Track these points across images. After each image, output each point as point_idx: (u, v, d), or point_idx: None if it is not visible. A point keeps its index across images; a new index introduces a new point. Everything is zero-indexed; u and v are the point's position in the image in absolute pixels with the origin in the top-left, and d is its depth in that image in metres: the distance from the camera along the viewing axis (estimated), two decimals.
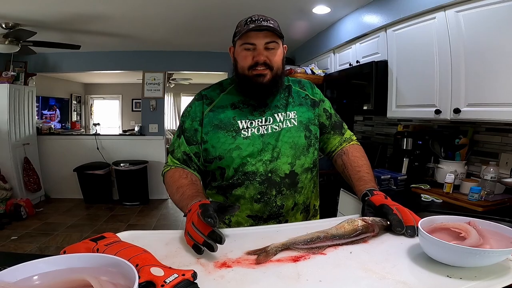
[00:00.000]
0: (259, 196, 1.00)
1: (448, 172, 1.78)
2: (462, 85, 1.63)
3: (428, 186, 1.87)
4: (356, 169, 1.05)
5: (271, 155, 1.00)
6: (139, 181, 4.47)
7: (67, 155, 4.60)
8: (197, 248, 0.69)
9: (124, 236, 0.80)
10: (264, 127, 1.02)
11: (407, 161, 2.10)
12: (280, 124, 1.03)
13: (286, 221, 1.04)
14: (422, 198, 1.74)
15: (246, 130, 1.01)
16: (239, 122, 1.01)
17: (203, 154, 1.03)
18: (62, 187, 4.63)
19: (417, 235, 0.71)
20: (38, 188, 4.27)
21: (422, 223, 0.70)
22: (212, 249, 0.67)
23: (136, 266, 0.57)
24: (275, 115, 1.04)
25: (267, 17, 0.97)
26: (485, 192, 1.58)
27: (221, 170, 1.03)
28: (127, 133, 5.19)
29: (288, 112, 1.05)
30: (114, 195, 4.63)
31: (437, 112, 1.77)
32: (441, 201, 1.69)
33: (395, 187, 1.96)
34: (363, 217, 0.82)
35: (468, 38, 1.59)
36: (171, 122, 8.20)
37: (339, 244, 0.75)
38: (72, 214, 4.07)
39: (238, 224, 1.03)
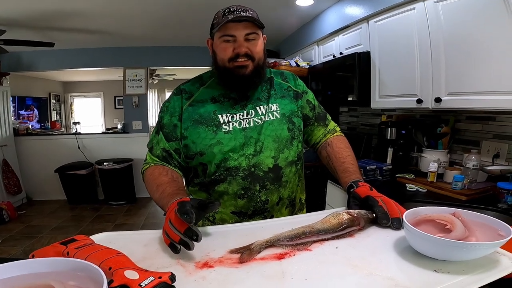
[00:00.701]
0: (242, 192, 0.98)
1: (431, 161, 1.79)
2: (442, 74, 1.64)
3: (413, 176, 1.88)
4: (341, 160, 1.04)
5: (253, 149, 0.98)
6: (125, 179, 4.39)
7: (47, 155, 4.47)
8: (173, 247, 0.67)
9: (99, 238, 0.76)
10: (246, 121, 0.99)
11: (392, 151, 2.11)
12: (262, 117, 1.00)
13: (272, 217, 1.02)
14: (407, 188, 1.75)
15: (227, 124, 0.98)
16: (219, 116, 0.98)
17: (184, 150, 1.00)
18: (44, 188, 4.51)
19: (403, 228, 0.70)
20: (18, 190, 4.15)
21: (407, 215, 0.69)
22: (189, 247, 0.65)
23: (109, 269, 0.54)
24: (257, 108, 1.01)
25: (245, 7, 0.93)
26: (468, 181, 1.60)
27: (203, 166, 0.99)
28: (109, 131, 5.06)
29: (270, 105, 1.02)
30: (99, 195, 4.54)
31: (419, 101, 1.78)
32: (426, 190, 1.71)
33: (380, 177, 1.97)
34: (349, 211, 0.81)
35: (447, 29, 1.60)
36: (156, 119, 8.05)
37: (324, 239, 0.74)
38: (56, 215, 3.98)
39: (223, 221, 1.01)
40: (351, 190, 0.90)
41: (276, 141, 1.00)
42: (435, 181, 1.74)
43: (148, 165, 1.01)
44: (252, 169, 0.97)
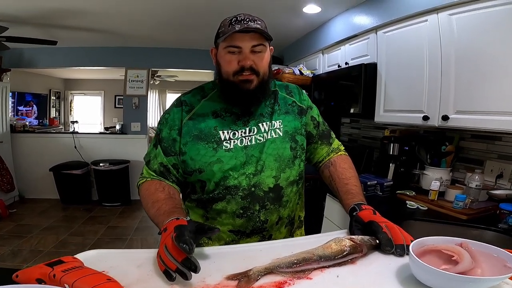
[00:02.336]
0: (241, 211, 0.94)
1: (434, 179, 1.77)
2: (452, 91, 1.59)
3: (414, 193, 1.86)
4: (344, 181, 1.00)
5: (254, 168, 0.94)
6: (120, 181, 4.34)
7: (43, 153, 4.42)
8: (169, 275, 0.63)
9: (90, 256, 0.72)
10: (248, 138, 0.95)
11: (393, 167, 2.08)
12: (265, 134, 0.96)
13: (270, 236, 0.99)
14: (407, 205, 1.73)
15: (228, 141, 0.94)
16: (220, 132, 0.94)
17: (182, 166, 0.96)
18: (38, 187, 4.45)
19: (407, 254, 0.70)
20: (11, 188, 4.09)
21: (413, 246, 0.67)
22: (186, 277, 0.61)
23: None
24: (260, 124, 0.97)
25: (254, 16, 0.89)
26: (470, 200, 1.58)
27: (201, 183, 0.95)
28: (107, 132, 5.01)
29: (273, 122, 0.98)
30: (93, 196, 4.49)
31: (425, 118, 1.73)
32: (426, 208, 1.68)
33: (380, 193, 1.94)
34: (351, 236, 0.78)
35: (460, 43, 1.54)
36: (156, 119, 8.03)
37: (325, 266, 0.70)
38: (48, 215, 3.91)
39: (219, 239, 0.97)
40: (354, 213, 0.86)
41: (278, 160, 0.96)
42: (436, 199, 1.71)
43: (144, 180, 0.97)
44: (252, 189, 0.93)
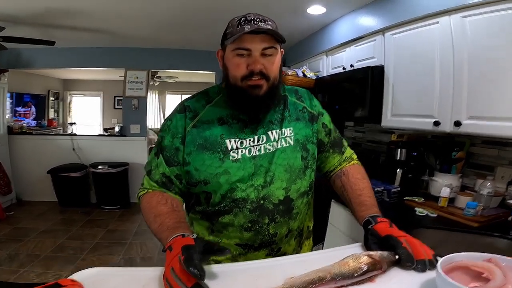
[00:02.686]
0: (249, 225, 0.88)
1: (443, 185, 1.72)
2: (464, 95, 1.53)
3: (422, 199, 1.81)
4: (357, 192, 0.95)
5: (263, 180, 0.88)
6: (119, 184, 4.26)
7: (41, 155, 4.35)
8: None
9: (90, 275, 0.66)
10: (257, 148, 0.89)
11: (401, 172, 2.03)
12: (275, 143, 0.90)
13: (279, 249, 0.93)
14: (416, 212, 1.69)
15: (236, 151, 0.87)
16: (227, 141, 0.87)
17: (185, 177, 0.89)
18: (35, 189, 4.37)
19: (429, 270, 0.68)
20: (8, 190, 4.02)
21: (442, 262, 0.62)
22: None
23: None
24: (269, 132, 0.91)
25: (264, 16, 0.83)
26: (481, 207, 1.54)
27: (206, 194, 0.89)
28: (106, 133, 4.95)
29: (283, 129, 0.92)
30: (92, 198, 4.42)
31: (436, 123, 1.67)
32: (436, 215, 1.64)
33: (388, 199, 1.90)
34: (369, 252, 0.73)
35: (473, 45, 1.48)
36: (155, 120, 7.96)
37: (343, 286, 0.65)
38: (46, 218, 3.84)
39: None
40: (369, 226, 0.81)
41: (288, 171, 0.90)
42: (446, 206, 1.66)
43: (145, 191, 0.90)
44: (261, 202, 0.87)
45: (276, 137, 0.91)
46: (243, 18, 0.82)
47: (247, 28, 0.79)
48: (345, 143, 1.08)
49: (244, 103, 0.87)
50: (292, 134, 0.93)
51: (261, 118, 0.91)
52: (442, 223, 1.55)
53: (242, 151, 0.87)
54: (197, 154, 0.87)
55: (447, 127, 1.62)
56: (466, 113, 1.53)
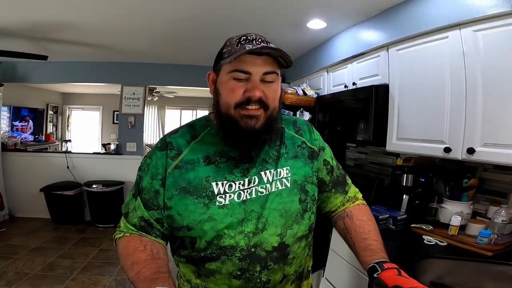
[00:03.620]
0: (239, 273, 0.76)
1: (453, 213, 1.61)
2: (479, 119, 1.38)
3: (431, 227, 1.69)
4: (362, 236, 0.84)
5: (255, 227, 0.76)
6: (114, 202, 4.13)
7: (34, 173, 4.24)
8: None
9: None
10: (247, 191, 0.77)
11: (407, 199, 1.89)
12: (268, 186, 0.78)
13: None
14: (424, 241, 1.57)
15: (223, 196, 0.76)
16: (213, 184, 0.76)
17: (167, 221, 0.78)
18: (28, 206, 4.26)
19: None
20: (1, 207, 3.95)
21: None
22: None
23: None
24: (262, 173, 0.79)
25: (266, 38, 0.73)
26: (495, 236, 1.46)
27: (191, 239, 0.78)
28: (102, 151, 4.85)
29: (279, 169, 0.80)
30: (86, 216, 4.30)
31: (447, 150, 1.52)
32: (446, 244, 1.53)
33: (393, 227, 1.77)
34: None
35: (487, 62, 1.35)
36: (154, 136, 7.87)
37: None
38: (37, 235, 3.73)
39: None
40: (375, 274, 0.71)
41: (284, 216, 0.78)
42: (456, 234, 1.55)
43: (122, 234, 0.79)
44: (253, 250, 0.76)
45: (270, 179, 0.79)
46: (244, 37, 0.71)
47: (249, 47, 0.68)
48: (349, 181, 0.96)
49: (235, 136, 0.75)
50: (289, 174, 0.81)
51: (254, 155, 0.79)
52: (452, 252, 1.44)
53: (230, 196, 0.76)
54: (179, 198, 0.75)
55: (459, 154, 1.48)
56: (480, 139, 1.39)
